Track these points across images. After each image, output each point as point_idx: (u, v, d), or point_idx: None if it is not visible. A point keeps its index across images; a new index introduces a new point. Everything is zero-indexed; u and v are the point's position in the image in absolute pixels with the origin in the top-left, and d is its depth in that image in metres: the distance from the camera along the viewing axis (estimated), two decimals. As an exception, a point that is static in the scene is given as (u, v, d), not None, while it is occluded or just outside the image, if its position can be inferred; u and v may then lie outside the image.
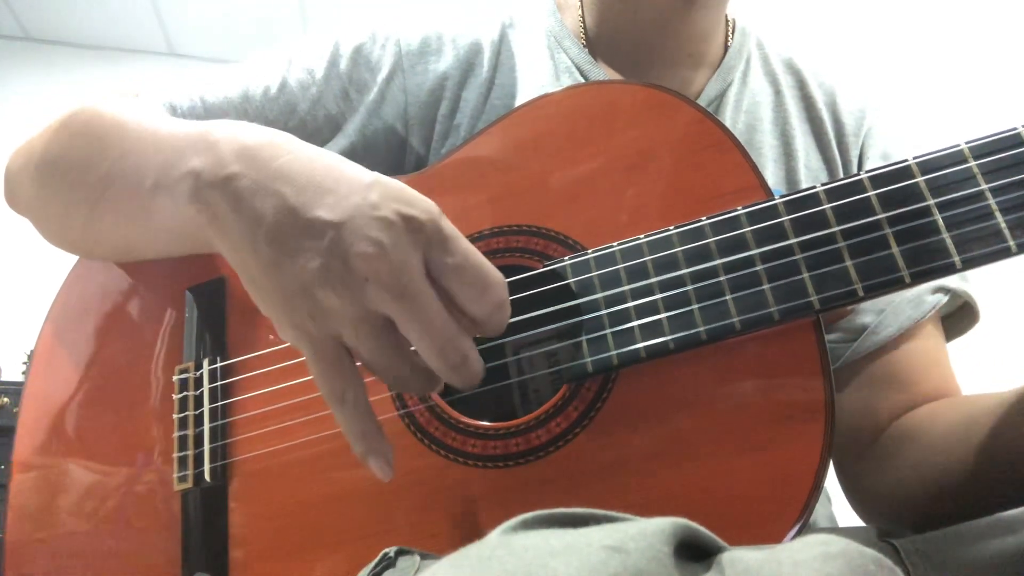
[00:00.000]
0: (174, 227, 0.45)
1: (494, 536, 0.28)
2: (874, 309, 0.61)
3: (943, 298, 0.60)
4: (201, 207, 0.42)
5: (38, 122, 0.55)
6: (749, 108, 0.65)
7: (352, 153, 0.61)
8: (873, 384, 0.60)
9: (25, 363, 2.10)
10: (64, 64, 2.81)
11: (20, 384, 2.04)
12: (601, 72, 0.65)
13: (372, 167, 0.60)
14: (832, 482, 0.69)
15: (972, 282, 0.62)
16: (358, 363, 0.40)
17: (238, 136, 0.42)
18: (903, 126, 0.69)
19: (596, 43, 0.67)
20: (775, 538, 0.39)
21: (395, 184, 0.39)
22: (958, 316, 0.64)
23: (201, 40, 2.91)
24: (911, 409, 0.58)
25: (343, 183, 0.39)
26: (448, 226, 0.39)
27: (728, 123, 0.64)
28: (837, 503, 0.68)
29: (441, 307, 0.38)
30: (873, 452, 0.59)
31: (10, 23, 2.70)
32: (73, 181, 0.51)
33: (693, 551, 0.27)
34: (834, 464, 0.61)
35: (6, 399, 1.76)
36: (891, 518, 0.57)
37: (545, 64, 0.64)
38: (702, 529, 0.28)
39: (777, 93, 0.67)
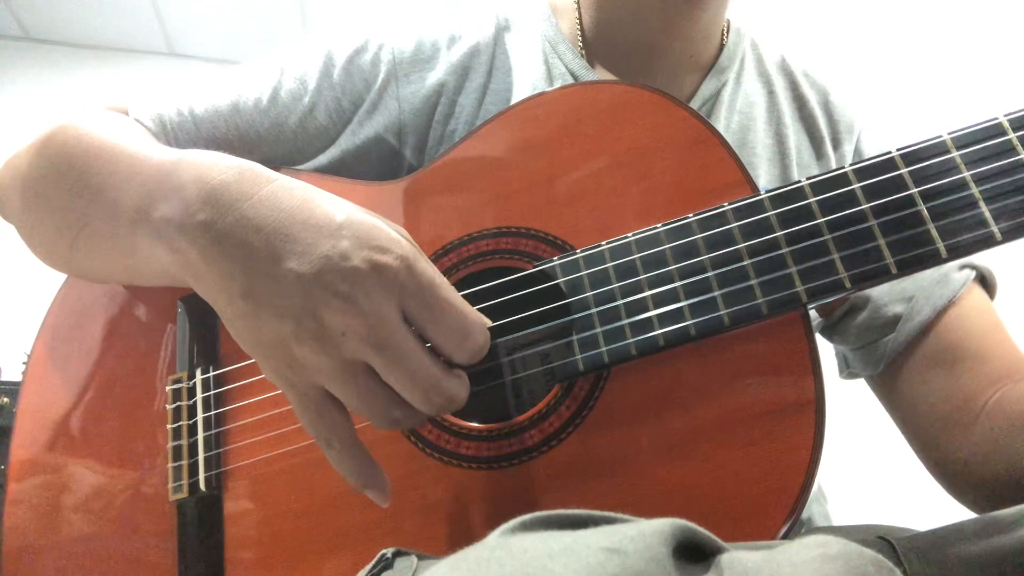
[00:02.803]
0: (154, 266, 0.45)
1: (492, 538, 0.28)
2: (902, 298, 0.59)
3: (971, 274, 0.59)
4: (175, 254, 0.41)
5: (30, 130, 0.54)
6: (743, 108, 0.65)
7: (343, 163, 0.61)
8: (938, 366, 0.58)
9: (25, 363, 2.09)
10: (64, 64, 2.81)
11: (20, 384, 2.03)
12: (595, 77, 0.64)
13: (364, 176, 0.60)
14: (829, 481, 0.69)
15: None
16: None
17: (204, 176, 0.41)
18: (894, 122, 0.69)
19: (594, 47, 0.66)
20: (768, 533, 0.39)
21: (367, 224, 0.38)
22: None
23: (201, 40, 2.90)
24: (996, 383, 0.55)
25: (311, 227, 0.37)
26: (424, 269, 0.38)
27: (722, 123, 0.64)
28: (833, 502, 0.68)
29: (421, 354, 0.37)
30: (972, 435, 0.55)
31: (10, 23, 2.70)
32: (55, 209, 0.50)
33: (692, 552, 0.27)
34: (928, 458, 0.58)
35: (6, 399, 1.76)
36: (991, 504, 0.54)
37: (539, 69, 0.64)
38: (701, 530, 0.28)
39: (771, 93, 0.67)
